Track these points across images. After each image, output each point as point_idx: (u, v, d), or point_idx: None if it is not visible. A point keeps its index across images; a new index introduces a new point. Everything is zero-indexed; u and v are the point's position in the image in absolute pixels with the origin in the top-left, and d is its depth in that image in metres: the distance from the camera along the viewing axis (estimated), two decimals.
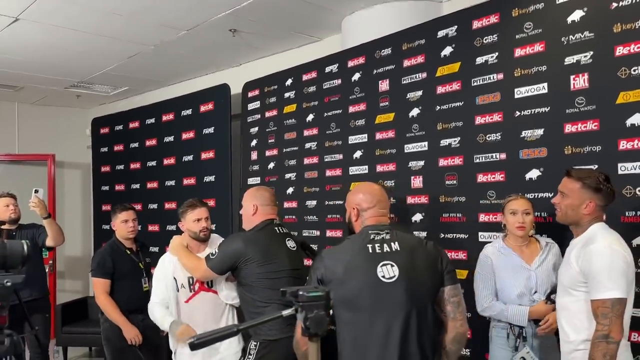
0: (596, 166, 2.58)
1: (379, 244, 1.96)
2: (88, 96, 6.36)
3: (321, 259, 2.02)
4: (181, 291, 2.96)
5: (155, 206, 5.46)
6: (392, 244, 1.97)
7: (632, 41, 2.53)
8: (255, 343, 2.70)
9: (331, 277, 1.94)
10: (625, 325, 1.97)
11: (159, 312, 2.95)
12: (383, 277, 1.90)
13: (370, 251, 1.95)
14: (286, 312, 1.16)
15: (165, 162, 5.38)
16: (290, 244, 2.81)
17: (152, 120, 5.59)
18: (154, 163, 5.51)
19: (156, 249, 4.79)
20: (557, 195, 2.19)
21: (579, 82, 2.72)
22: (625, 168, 2.54)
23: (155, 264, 3.22)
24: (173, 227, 4.94)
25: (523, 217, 2.54)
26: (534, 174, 2.88)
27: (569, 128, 2.76)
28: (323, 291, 1.15)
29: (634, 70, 2.52)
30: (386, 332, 1.87)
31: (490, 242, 2.83)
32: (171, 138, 5.35)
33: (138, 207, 5.48)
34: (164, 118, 5.45)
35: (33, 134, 6.67)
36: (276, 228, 2.82)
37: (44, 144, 6.59)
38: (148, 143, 5.61)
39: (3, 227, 3.93)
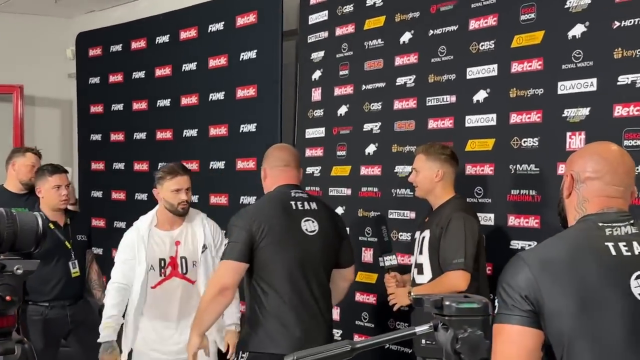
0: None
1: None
2: None
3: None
4: (150, 274, 3.53)
5: None
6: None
7: None
8: (243, 355, 3.12)
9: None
10: None
11: (107, 307, 3.55)
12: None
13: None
14: (420, 330, 1.23)
15: (184, 101, 5.44)
16: (309, 226, 3.09)
17: (166, 38, 5.66)
18: (167, 102, 5.60)
19: None
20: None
21: None
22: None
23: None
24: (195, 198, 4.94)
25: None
26: None
27: None
28: (480, 302, 1.24)
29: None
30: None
31: None
32: (193, 66, 5.39)
33: (144, 166, 5.82)
34: (183, 35, 5.50)
35: None
36: (292, 202, 3.11)
37: (7, 70, 6.60)
38: (158, 72, 5.68)
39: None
